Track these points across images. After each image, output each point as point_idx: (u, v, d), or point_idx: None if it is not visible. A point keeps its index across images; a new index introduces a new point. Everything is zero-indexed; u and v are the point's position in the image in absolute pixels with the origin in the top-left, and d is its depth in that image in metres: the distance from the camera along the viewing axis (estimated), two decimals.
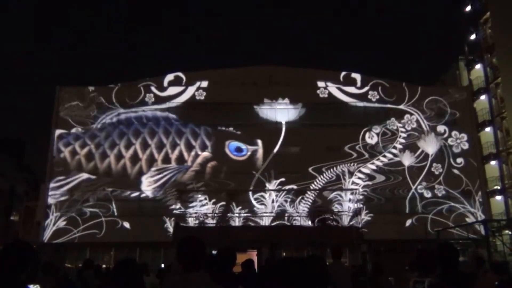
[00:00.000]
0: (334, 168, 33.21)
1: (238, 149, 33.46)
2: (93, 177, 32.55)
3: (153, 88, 34.77)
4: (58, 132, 33.52)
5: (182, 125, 33.94)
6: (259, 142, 33.64)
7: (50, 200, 32.06)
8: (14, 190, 47.40)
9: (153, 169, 32.87)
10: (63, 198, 32.06)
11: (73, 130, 33.59)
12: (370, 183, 32.98)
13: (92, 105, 34.06)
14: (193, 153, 33.30)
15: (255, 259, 23.33)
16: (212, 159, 33.19)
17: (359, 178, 33.12)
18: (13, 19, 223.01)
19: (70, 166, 32.84)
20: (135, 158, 33.03)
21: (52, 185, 32.35)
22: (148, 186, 32.45)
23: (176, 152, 33.24)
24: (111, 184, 32.35)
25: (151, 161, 33.07)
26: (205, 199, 32.18)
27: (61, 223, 31.45)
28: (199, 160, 33.12)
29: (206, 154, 33.27)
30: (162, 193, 32.36)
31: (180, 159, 33.14)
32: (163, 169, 32.88)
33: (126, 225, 31.38)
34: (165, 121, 34.01)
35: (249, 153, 33.48)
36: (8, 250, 3.25)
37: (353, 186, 32.72)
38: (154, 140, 33.43)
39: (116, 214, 31.74)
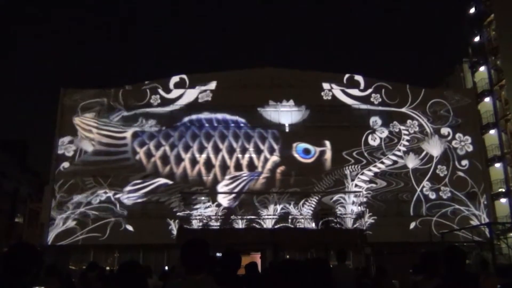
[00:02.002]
0: (337, 171, 33.15)
1: (306, 151, 33.20)
2: (170, 182, 32.49)
3: (159, 90, 34.80)
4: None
5: (250, 129, 33.90)
6: (327, 143, 33.52)
7: (127, 202, 31.86)
8: (18, 192, 47.56)
9: (227, 177, 32.76)
10: (140, 200, 31.96)
11: (147, 128, 33.33)
12: (373, 185, 32.90)
13: (96, 107, 34.10)
14: (262, 157, 33.18)
15: (258, 261, 23.30)
16: (281, 163, 33.01)
17: (363, 180, 33.05)
18: (16, 20, 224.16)
19: (147, 169, 32.71)
20: (209, 164, 32.92)
21: (128, 188, 32.26)
22: (224, 198, 32.24)
23: (247, 157, 33.13)
24: (185, 191, 32.05)
25: (224, 167, 32.94)
26: (209, 201, 32.16)
27: (69, 224, 31.46)
28: (268, 165, 32.95)
29: (275, 158, 33.08)
30: (237, 204, 32.08)
31: (251, 165, 33.05)
32: (236, 177, 32.75)
33: (130, 227, 31.39)
34: (234, 124, 33.99)
35: (317, 154, 33.28)
36: (12, 252, 3.25)
37: (356, 189, 32.63)
38: (225, 144, 33.35)
39: (120, 216, 31.74)
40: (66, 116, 33.90)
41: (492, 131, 35.65)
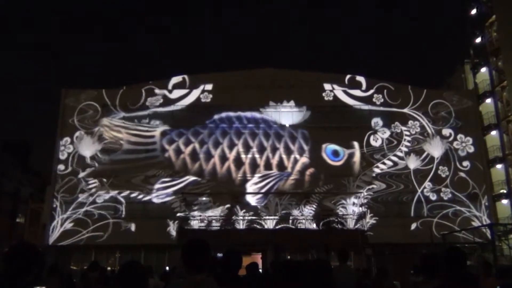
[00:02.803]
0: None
1: (335, 153, 33.21)
2: (199, 179, 32.55)
3: (160, 90, 34.82)
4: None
5: (280, 128, 33.95)
6: (356, 144, 33.49)
7: (156, 200, 31.91)
8: (19, 192, 47.62)
9: (256, 176, 32.78)
10: (168, 198, 31.92)
11: (164, 128, 33.42)
12: (375, 186, 32.88)
13: (97, 108, 34.14)
14: (292, 158, 33.18)
15: (259, 262, 23.30)
16: (310, 165, 33.00)
17: (364, 181, 33.02)
18: (18, 21, 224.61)
19: (175, 166, 32.74)
20: (238, 161, 32.98)
21: (157, 186, 32.30)
22: (253, 197, 32.27)
23: (277, 157, 33.16)
24: (214, 188, 32.19)
25: (254, 165, 32.97)
26: (210, 201, 32.16)
27: (68, 225, 31.51)
28: (298, 167, 32.95)
29: (304, 159, 33.08)
30: (266, 202, 32.10)
31: (281, 165, 33.07)
32: (265, 176, 32.78)
33: (131, 227, 31.40)
34: (264, 123, 34.01)
35: (345, 156, 33.25)
36: (13, 252, 3.25)
37: (358, 190, 32.60)
38: (255, 142, 33.39)
39: (122, 216, 31.77)
40: (67, 116, 33.97)
41: (493, 132, 35.62)
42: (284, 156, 33.26)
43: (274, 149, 33.34)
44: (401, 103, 34.84)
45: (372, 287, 9.60)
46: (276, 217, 31.38)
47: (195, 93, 34.93)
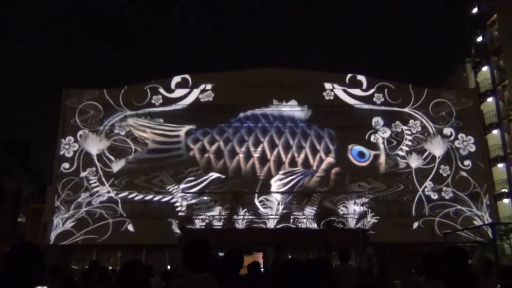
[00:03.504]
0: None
1: (361, 154, 33.18)
2: (223, 176, 32.62)
3: (160, 90, 34.84)
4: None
5: (307, 127, 33.96)
6: (381, 146, 33.56)
7: (183, 202, 31.93)
8: (20, 192, 47.71)
9: (281, 172, 32.82)
10: (194, 201, 31.93)
11: (189, 127, 33.44)
12: (376, 185, 32.85)
13: (99, 107, 34.17)
14: (317, 157, 33.19)
15: (260, 261, 23.31)
16: (336, 165, 33.03)
17: (365, 180, 32.99)
18: (19, 21, 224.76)
19: (200, 164, 32.84)
20: (263, 159, 33.00)
21: (183, 185, 32.38)
22: (277, 189, 32.36)
23: (302, 155, 33.18)
24: (240, 186, 32.34)
25: (279, 163, 33.01)
26: (211, 201, 32.17)
27: (68, 225, 31.55)
28: (323, 166, 32.99)
29: (330, 159, 33.11)
30: (291, 198, 32.20)
31: (306, 163, 33.08)
32: (290, 172, 32.81)
33: (132, 227, 31.42)
34: (291, 121, 34.03)
35: (371, 158, 33.24)
36: (15, 252, 3.25)
37: (359, 189, 32.59)
38: (281, 140, 33.40)
39: (122, 216, 31.78)
40: (68, 116, 33.99)
41: (495, 131, 35.56)
42: (309, 155, 33.27)
43: (300, 148, 33.39)
44: (402, 103, 34.80)
45: (373, 287, 9.60)
46: (277, 217, 31.40)
47: (196, 92, 34.93)
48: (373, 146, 33.54)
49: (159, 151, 33.10)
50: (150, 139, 33.45)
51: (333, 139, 33.58)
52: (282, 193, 32.44)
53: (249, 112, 34.04)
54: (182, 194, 31.81)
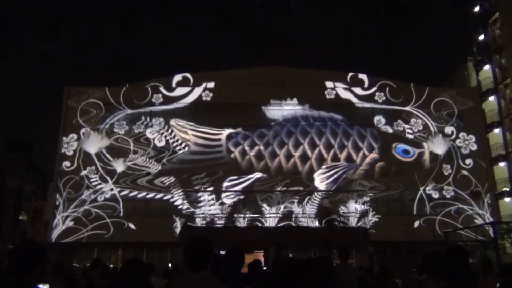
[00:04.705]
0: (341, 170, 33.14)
1: (406, 152, 33.37)
2: (265, 175, 32.81)
3: (161, 89, 34.86)
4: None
5: (348, 126, 34.06)
6: (425, 144, 33.65)
7: (226, 201, 32.11)
8: (22, 190, 47.80)
9: (324, 166, 33.04)
10: (236, 199, 32.17)
11: (234, 130, 33.69)
12: (377, 184, 32.85)
13: (100, 106, 34.20)
14: (360, 153, 33.37)
15: (261, 259, 23.35)
16: (380, 159, 33.20)
17: (366, 179, 32.99)
18: (20, 20, 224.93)
19: (241, 165, 33.10)
20: (304, 157, 33.18)
21: (225, 184, 32.60)
22: (321, 183, 32.63)
23: (345, 152, 33.34)
24: (283, 183, 32.58)
25: (321, 160, 33.18)
26: (213, 199, 32.21)
27: (70, 223, 31.61)
28: (367, 160, 33.18)
29: (374, 155, 33.28)
30: (335, 188, 32.55)
31: (349, 159, 33.25)
32: (333, 166, 33.03)
33: (133, 225, 31.46)
34: (332, 122, 34.14)
35: (415, 155, 33.36)
36: (17, 250, 3.27)
37: (360, 188, 32.60)
38: (322, 141, 33.55)
39: (123, 214, 31.83)
40: (70, 114, 34.03)
41: (496, 130, 35.50)
42: (352, 152, 33.42)
43: (342, 146, 33.54)
44: (403, 101, 34.78)
45: (374, 285, 9.61)
46: (279, 215, 31.43)
47: (197, 91, 34.95)
48: (417, 144, 33.67)
49: (202, 153, 33.48)
50: (192, 141, 33.71)
51: (376, 138, 33.73)
52: (282, 192, 32.47)
53: (288, 115, 34.16)
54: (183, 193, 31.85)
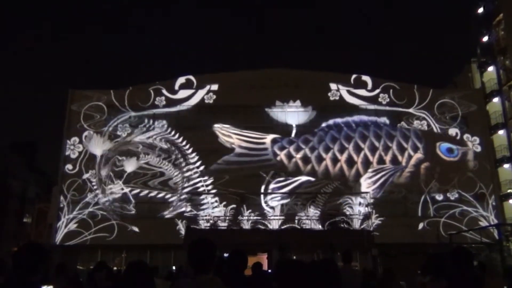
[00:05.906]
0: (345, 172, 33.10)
1: (450, 150, 33.35)
2: (313, 179, 32.90)
3: (164, 91, 34.92)
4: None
5: (392, 128, 34.12)
6: (469, 144, 33.67)
7: (273, 203, 32.21)
8: (26, 192, 47.96)
9: (370, 170, 33.06)
10: (284, 201, 32.30)
11: (274, 135, 33.85)
12: (379, 184, 32.77)
13: (103, 108, 34.28)
14: (406, 154, 33.37)
15: (265, 262, 23.29)
16: (425, 160, 33.17)
17: (370, 181, 32.91)
18: (22, 20, 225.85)
19: (288, 168, 33.21)
20: (350, 161, 33.27)
21: (272, 186, 32.72)
22: (367, 188, 32.52)
23: (390, 154, 33.37)
24: (330, 186, 32.79)
25: (367, 163, 33.25)
26: (216, 201, 32.19)
27: (73, 225, 31.66)
28: (412, 161, 33.16)
29: (419, 155, 33.25)
30: (382, 193, 32.57)
31: (394, 161, 33.27)
32: (380, 169, 33.05)
33: (137, 227, 31.47)
34: (374, 125, 34.22)
35: (459, 154, 33.39)
36: (22, 252, 3.28)
37: (364, 190, 32.50)
38: (366, 144, 33.63)
39: (127, 216, 31.85)
40: (73, 117, 34.12)
41: (500, 132, 35.36)
42: (397, 154, 33.36)
43: (387, 148, 33.47)
44: (407, 103, 34.71)
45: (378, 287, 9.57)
46: (282, 217, 31.37)
47: (200, 93, 34.99)
48: (461, 143, 33.71)
49: (247, 155, 33.67)
50: (236, 144, 33.87)
51: (420, 138, 33.67)
52: (283, 193, 32.44)
53: (331, 121, 34.17)
54: (187, 196, 31.84)
